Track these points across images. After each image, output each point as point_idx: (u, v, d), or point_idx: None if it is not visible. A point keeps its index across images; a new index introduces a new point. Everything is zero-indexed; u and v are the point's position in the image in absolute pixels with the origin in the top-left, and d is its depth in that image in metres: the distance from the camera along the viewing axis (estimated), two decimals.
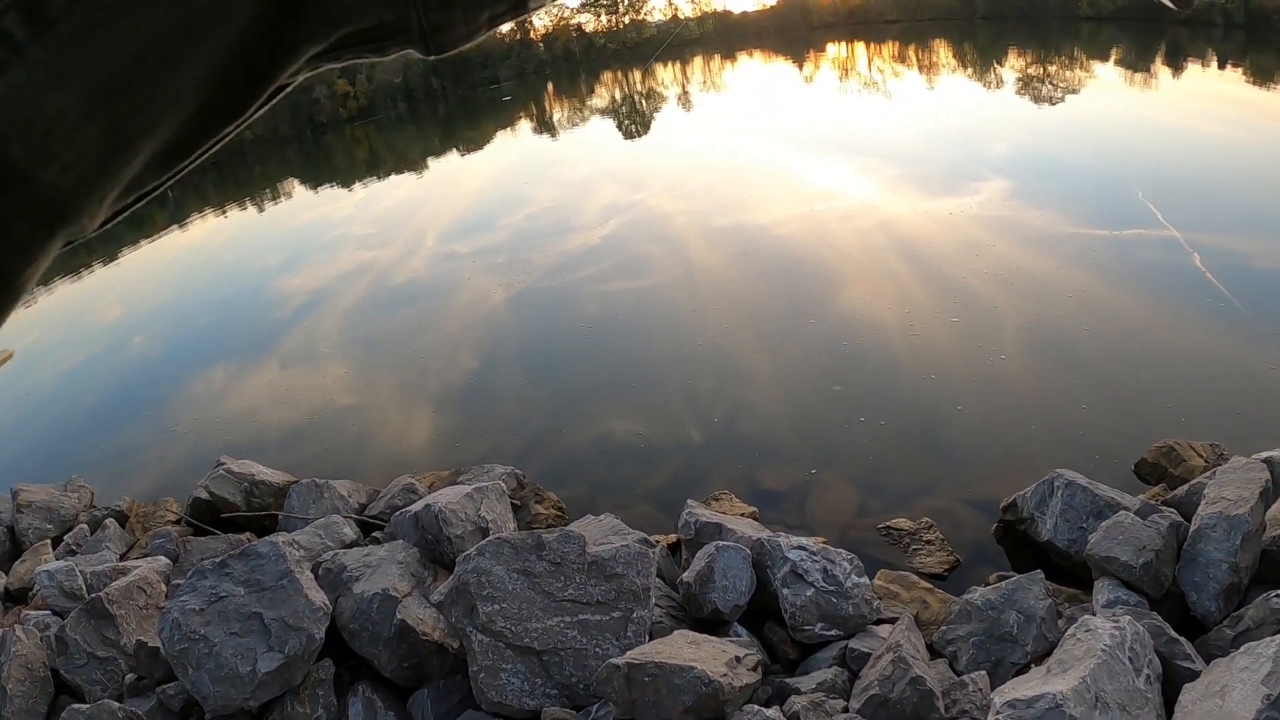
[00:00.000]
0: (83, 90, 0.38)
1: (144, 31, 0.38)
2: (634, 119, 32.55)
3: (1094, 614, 3.64)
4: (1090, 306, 7.80)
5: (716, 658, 3.37)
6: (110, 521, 6.18)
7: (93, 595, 4.50)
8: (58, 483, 6.74)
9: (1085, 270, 8.75)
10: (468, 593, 3.68)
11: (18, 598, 5.55)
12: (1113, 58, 29.69)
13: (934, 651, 3.82)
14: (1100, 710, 2.84)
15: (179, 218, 23.21)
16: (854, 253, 10.62)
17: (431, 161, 29.55)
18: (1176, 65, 25.71)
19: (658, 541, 4.35)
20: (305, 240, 18.48)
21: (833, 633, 3.89)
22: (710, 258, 11.43)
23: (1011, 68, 32.17)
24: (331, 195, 25.52)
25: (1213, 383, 6.35)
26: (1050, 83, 26.01)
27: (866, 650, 3.67)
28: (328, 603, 4.00)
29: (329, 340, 10.65)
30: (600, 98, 44.66)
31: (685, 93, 41.23)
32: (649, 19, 72.09)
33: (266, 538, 4.32)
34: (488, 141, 32.46)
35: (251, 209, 25.21)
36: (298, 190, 27.90)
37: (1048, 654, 3.46)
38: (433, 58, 0.52)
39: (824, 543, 4.41)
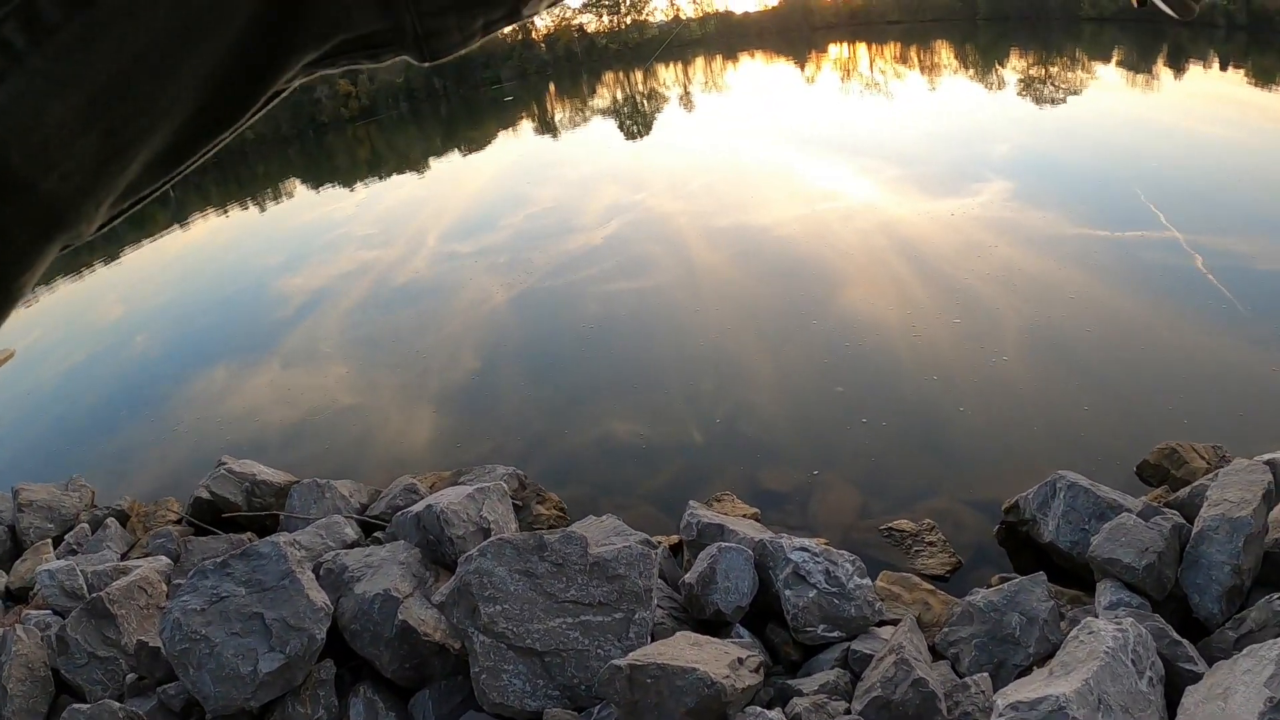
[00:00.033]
0: (82, 98, 0.38)
1: (142, 39, 0.38)
2: (636, 119, 32.55)
3: (1096, 616, 3.64)
4: (1092, 308, 7.79)
5: (719, 659, 3.36)
6: (111, 521, 6.17)
7: (94, 595, 4.49)
8: (59, 482, 6.74)
9: (1087, 271, 8.74)
10: (469, 593, 3.68)
11: (19, 597, 5.55)
12: (1114, 59, 29.68)
13: (936, 653, 3.81)
14: (1103, 712, 2.84)
15: (180, 217, 23.22)
16: (856, 253, 10.61)
17: (433, 161, 29.57)
18: (1178, 66, 25.69)
19: (659, 542, 4.34)
20: (307, 240, 18.49)
21: (835, 634, 3.88)
22: (712, 258, 11.42)
23: (1013, 69, 32.16)
24: (333, 195, 25.54)
25: (1214, 384, 6.34)
26: (1052, 84, 26.00)
27: (869, 652, 3.66)
28: (329, 603, 3.99)
29: (330, 340, 10.65)
30: (602, 98, 44.67)
31: (687, 93, 41.24)
32: (650, 19, 72.22)
33: (268, 538, 4.31)
34: (489, 142, 32.48)
35: (253, 208, 25.23)
36: (299, 190, 27.91)
37: (1050, 656, 3.45)
38: (428, 64, 0.52)
39: (826, 544, 4.40)
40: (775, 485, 5.81)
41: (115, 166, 0.42)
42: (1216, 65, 26.45)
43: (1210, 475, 4.38)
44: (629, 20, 70.35)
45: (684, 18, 74.97)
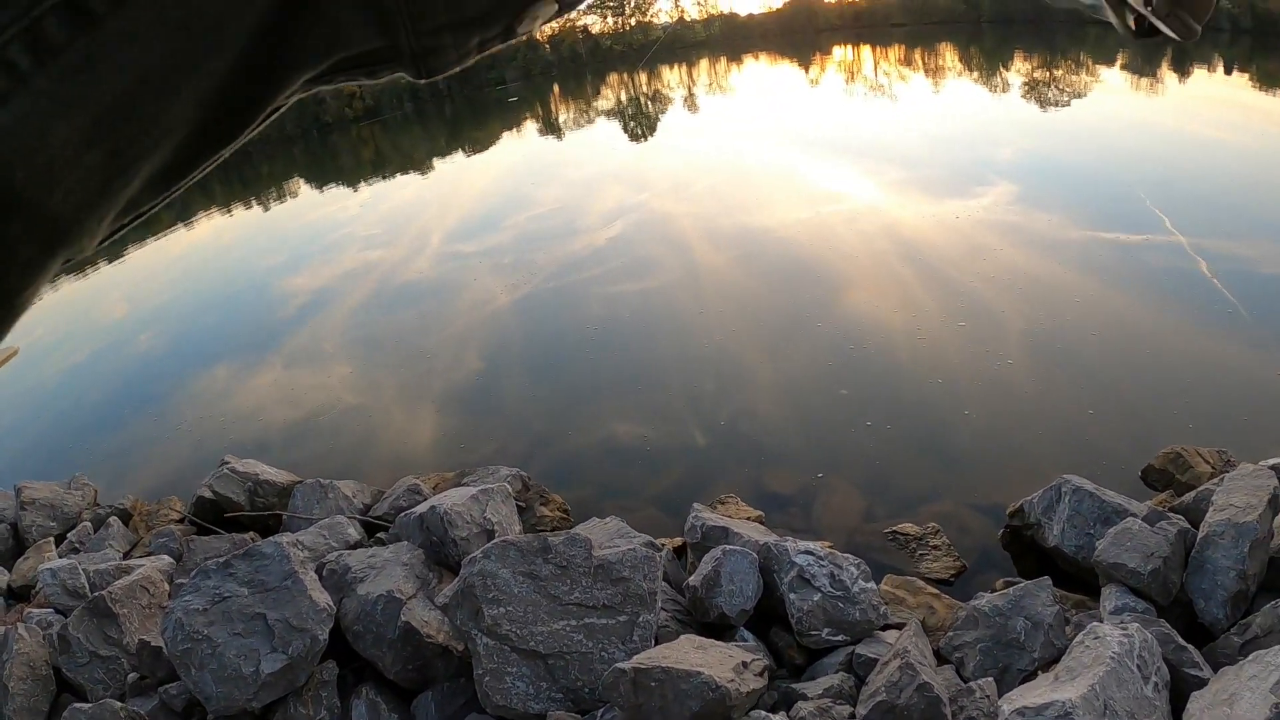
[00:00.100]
0: (86, 118, 0.38)
1: (145, 61, 0.39)
2: (640, 121, 32.56)
3: (1101, 621, 3.63)
4: (1096, 311, 7.77)
5: (723, 663, 3.36)
6: (114, 520, 6.17)
7: (95, 594, 4.48)
8: (61, 480, 6.73)
9: (1091, 275, 8.73)
10: (473, 595, 3.67)
11: (20, 595, 5.54)
12: (1119, 62, 29.61)
13: (940, 657, 3.80)
14: (1109, 718, 2.82)
15: (185, 216, 23.24)
16: (860, 256, 10.59)
17: (437, 162, 29.60)
18: (1183, 70, 25.63)
19: (663, 545, 4.33)
20: (310, 240, 18.49)
21: (839, 638, 3.87)
22: (716, 260, 11.41)
23: (1018, 72, 32.13)
24: (337, 195, 25.55)
25: (1219, 389, 6.33)
26: (1056, 87, 25.97)
27: (873, 656, 3.65)
28: (332, 604, 3.98)
29: (334, 340, 10.65)
30: (606, 99, 44.65)
31: (691, 95, 41.25)
32: (655, 21, 72.25)
33: (270, 538, 4.31)
34: (493, 142, 32.50)
35: (257, 208, 25.24)
36: (303, 190, 27.93)
37: (1055, 661, 3.44)
38: (423, 81, 0.53)
39: (830, 547, 4.39)
40: (779, 488, 5.80)
41: (118, 184, 0.42)
42: (1221, 69, 26.41)
43: (1215, 480, 4.37)
44: (633, 21, 70.41)
45: (688, 19, 75.06)
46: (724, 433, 6.73)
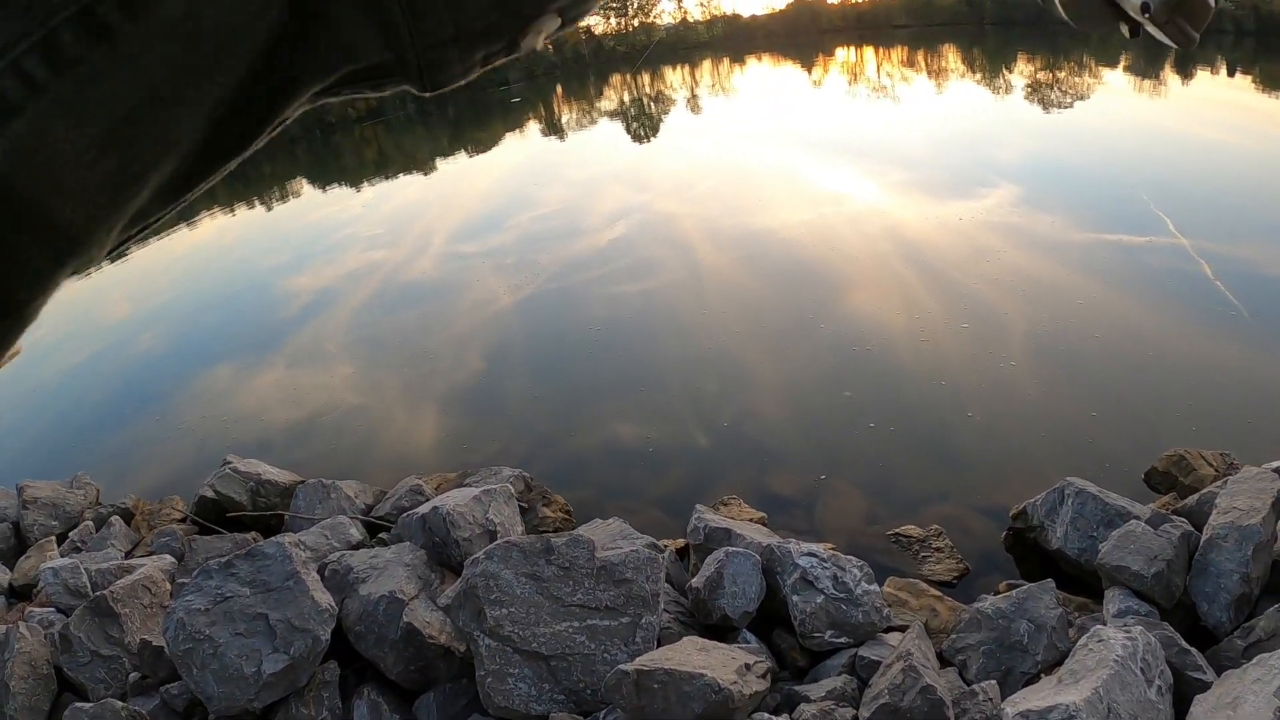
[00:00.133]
0: (98, 129, 0.39)
1: (157, 73, 0.39)
2: (642, 122, 32.55)
3: (1105, 623, 3.62)
4: (1100, 313, 7.77)
5: (726, 665, 3.35)
6: (116, 519, 6.16)
7: (97, 593, 4.48)
8: (63, 479, 6.73)
9: (1095, 277, 8.72)
10: (475, 596, 3.66)
11: (22, 594, 5.54)
12: (1122, 64, 29.62)
13: (943, 660, 3.79)
14: None
15: (188, 216, 23.24)
16: (863, 257, 10.59)
17: (440, 162, 29.58)
18: (1186, 72, 25.64)
19: (666, 546, 4.33)
20: (313, 239, 18.47)
21: (842, 640, 3.86)
22: (718, 261, 11.40)
23: (1020, 73, 32.14)
24: (340, 195, 25.52)
25: (1222, 391, 6.33)
26: (1059, 88, 25.97)
27: (876, 658, 3.64)
28: (334, 604, 3.98)
29: (336, 340, 10.64)
30: (609, 100, 44.65)
31: (694, 96, 41.25)
32: (658, 22, 72.26)
33: (273, 538, 4.31)
34: (496, 143, 32.51)
35: (260, 208, 25.23)
36: (306, 189, 27.90)
37: (1058, 664, 3.44)
38: (428, 94, 0.54)
39: (833, 549, 4.38)
40: (782, 489, 5.80)
41: (127, 194, 0.43)
42: (1224, 71, 26.41)
43: (1219, 483, 4.36)
44: (636, 22, 70.40)
45: (691, 20, 75.08)
46: (726, 434, 6.72)
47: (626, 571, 3.75)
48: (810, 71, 47.04)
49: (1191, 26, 0.75)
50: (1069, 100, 23.23)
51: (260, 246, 19.24)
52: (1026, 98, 24.54)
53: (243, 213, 24.60)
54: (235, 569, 3.97)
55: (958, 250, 10.19)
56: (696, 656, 3.38)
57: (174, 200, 0.48)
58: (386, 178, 27.34)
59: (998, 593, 4.15)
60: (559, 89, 54.92)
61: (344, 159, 37.32)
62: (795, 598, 3.94)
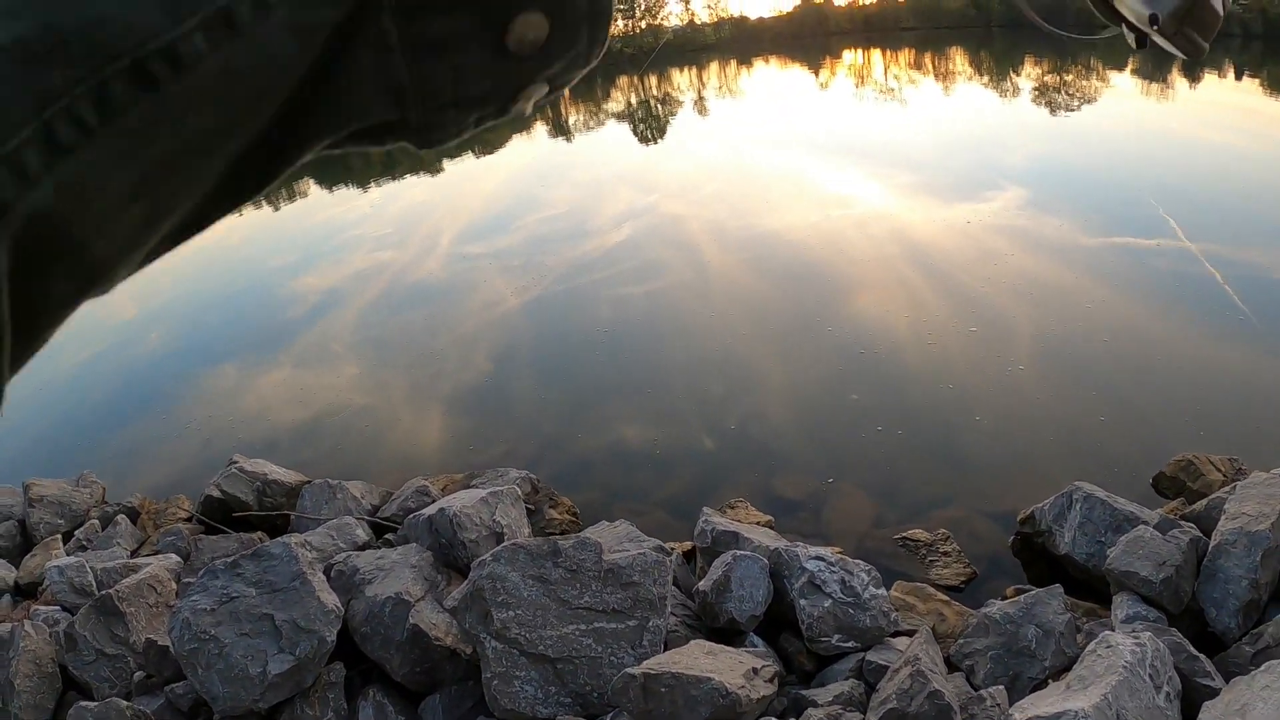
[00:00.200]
0: (135, 174, 0.42)
1: (192, 125, 0.43)
2: (649, 124, 32.56)
3: (1113, 629, 3.61)
4: (1107, 318, 7.75)
5: (734, 668, 3.34)
6: (122, 518, 6.17)
7: (103, 592, 4.49)
8: (69, 478, 6.74)
9: (1102, 281, 8.70)
10: (482, 598, 3.66)
11: (28, 592, 5.55)
12: (1129, 67, 29.56)
13: (951, 665, 3.78)
14: None
15: None
16: (870, 260, 10.57)
17: (447, 163, 29.59)
18: (1194, 75, 25.58)
19: (673, 549, 4.32)
20: (320, 240, 18.51)
21: (850, 644, 3.85)
22: (725, 263, 11.39)
23: (1028, 76, 32.09)
24: (346, 195, 25.55)
25: (1230, 396, 6.31)
26: (1067, 91, 25.93)
27: (884, 663, 3.63)
28: (340, 605, 3.97)
29: (343, 340, 10.65)
30: (616, 102, 44.65)
31: (701, 98, 41.25)
32: (665, 24, 72.30)
33: (279, 538, 4.31)
34: (503, 144, 32.50)
35: (266, 208, 25.24)
36: (313, 190, 27.93)
37: (1066, 669, 3.42)
38: (424, 151, 0.58)
39: (841, 553, 4.37)
40: (789, 493, 5.78)
41: (150, 233, 0.46)
42: (1232, 74, 26.36)
43: (1227, 488, 4.35)
44: (643, 24, 70.46)
45: (698, 22, 75.09)
46: (733, 437, 6.71)
47: (634, 574, 3.74)
48: (817, 74, 47.05)
49: (1201, 37, 0.75)
50: (1076, 103, 23.20)
51: (267, 246, 19.25)
52: (1034, 100, 24.52)
53: (249, 213, 24.62)
54: (241, 569, 3.97)
55: (965, 253, 10.18)
56: (704, 660, 3.37)
57: (184, 239, 0.51)
58: (394, 178, 27.34)
59: (1005, 597, 4.13)
60: (565, 90, 54.86)
61: (351, 159, 37.26)
62: (803, 601, 3.93)
